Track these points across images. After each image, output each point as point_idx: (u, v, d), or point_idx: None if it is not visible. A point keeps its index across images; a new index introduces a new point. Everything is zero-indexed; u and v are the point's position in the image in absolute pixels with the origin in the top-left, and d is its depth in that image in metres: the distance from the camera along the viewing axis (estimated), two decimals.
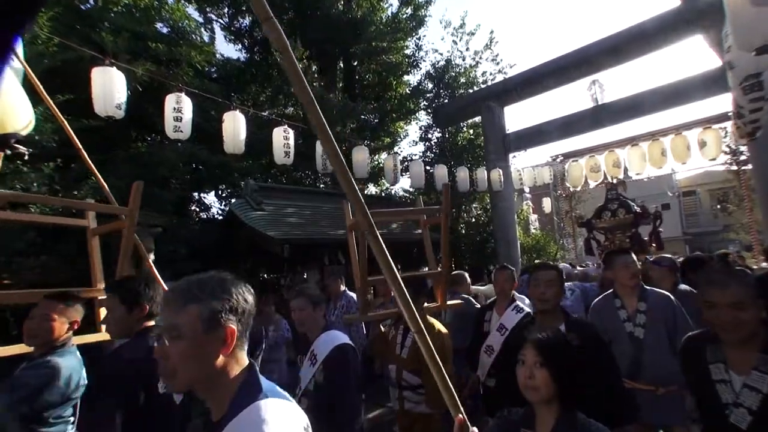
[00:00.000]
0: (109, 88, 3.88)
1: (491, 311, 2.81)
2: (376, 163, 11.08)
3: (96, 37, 5.05)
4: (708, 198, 22.14)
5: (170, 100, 4.41)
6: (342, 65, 10.34)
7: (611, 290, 2.53)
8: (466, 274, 4.04)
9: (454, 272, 3.96)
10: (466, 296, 3.66)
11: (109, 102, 3.87)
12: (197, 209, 6.73)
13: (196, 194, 6.86)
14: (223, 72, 9.00)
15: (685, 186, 21.71)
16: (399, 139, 11.16)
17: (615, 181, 7.55)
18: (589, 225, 7.43)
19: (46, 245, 3.81)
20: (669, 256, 3.38)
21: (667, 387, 2.19)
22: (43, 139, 3.88)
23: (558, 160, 12.02)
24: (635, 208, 7.00)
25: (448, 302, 2.89)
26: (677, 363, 1.90)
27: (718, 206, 19.77)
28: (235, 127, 4.89)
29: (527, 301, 2.86)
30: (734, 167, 8.42)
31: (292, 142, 5.39)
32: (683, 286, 3.00)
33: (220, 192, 7.41)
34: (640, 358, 2.25)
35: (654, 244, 7.45)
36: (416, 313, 0.91)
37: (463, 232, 9.90)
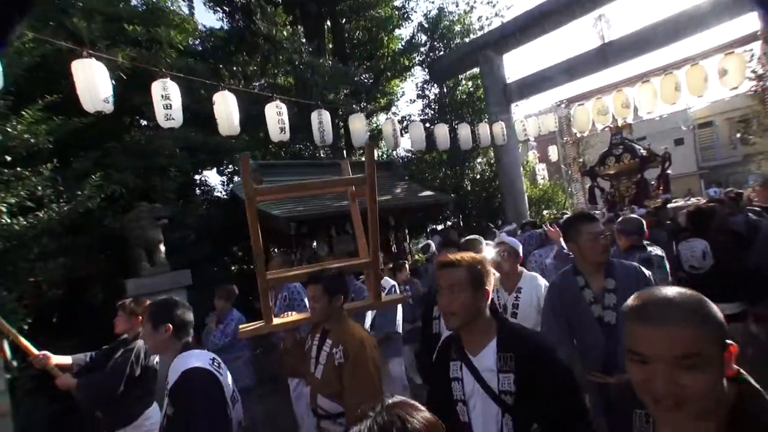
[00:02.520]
0: (93, 82, 3.81)
1: None
2: (375, 125, 10.86)
3: (69, 25, 4.87)
4: (726, 127, 21.06)
5: (157, 88, 4.33)
6: (329, 24, 9.83)
7: (570, 266, 2.13)
8: (482, 239, 3.49)
9: (467, 238, 3.48)
10: None
11: (95, 97, 3.83)
12: (201, 191, 6.74)
13: (197, 177, 6.89)
14: (207, 45, 8.68)
15: (700, 117, 20.67)
16: (396, 99, 10.84)
17: (622, 123, 7.26)
18: (592, 172, 7.26)
19: (60, 247, 3.95)
20: (635, 217, 3.14)
21: None
22: (38, 142, 3.89)
23: (563, 105, 11.60)
24: (641, 151, 6.78)
25: (387, 298, 2.45)
26: None
27: (738, 135, 18.94)
28: (227, 107, 4.80)
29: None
30: (759, 92, 7.97)
31: (285, 117, 5.29)
32: (652, 249, 2.85)
33: (222, 170, 7.44)
34: (614, 348, 1.85)
35: (662, 188, 7.30)
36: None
37: (469, 188, 9.84)
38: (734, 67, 6.25)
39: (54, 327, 4.35)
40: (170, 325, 1.71)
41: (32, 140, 3.84)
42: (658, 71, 7.39)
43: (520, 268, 2.61)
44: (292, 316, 2.25)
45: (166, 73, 4.42)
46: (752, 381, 0.80)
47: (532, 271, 3.76)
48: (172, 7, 6.66)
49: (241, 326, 2.44)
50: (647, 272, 1.98)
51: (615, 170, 6.93)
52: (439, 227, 9.79)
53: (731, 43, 6.51)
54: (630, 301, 0.82)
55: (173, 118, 4.37)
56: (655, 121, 12.43)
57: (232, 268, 7.00)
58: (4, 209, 3.40)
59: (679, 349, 0.71)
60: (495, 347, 1.32)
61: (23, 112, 3.78)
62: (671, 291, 0.78)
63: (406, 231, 8.21)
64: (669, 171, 7.15)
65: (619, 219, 3.11)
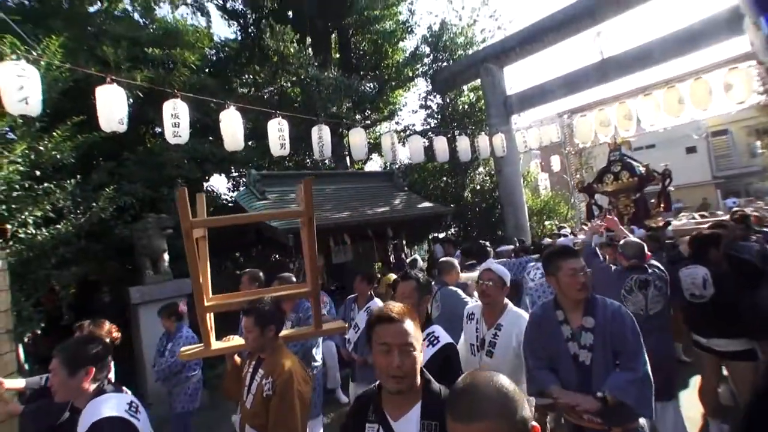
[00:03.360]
0: (112, 106, 4.15)
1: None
2: (378, 134, 11.14)
3: (99, 52, 5.32)
4: (744, 135, 20.63)
5: (167, 108, 4.67)
6: (336, 37, 10.17)
7: (552, 298, 2.05)
8: (455, 261, 3.52)
9: (441, 259, 3.61)
10: (453, 289, 3.28)
11: (112, 119, 4.16)
12: (207, 198, 7.10)
13: (205, 184, 7.26)
14: (222, 55, 9.08)
15: (713, 125, 20.28)
16: (399, 109, 11.10)
17: (621, 139, 7.29)
18: (590, 189, 7.24)
19: (75, 256, 4.31)
20: (637, 241, 3.08)
21: (623, 426, 1.77)
22: (63, 157, 4.28)
23: (565, 115, 11.68)
24: (640, 169, 6.74)
25: (328, 325, 2.37)
26: (634, 395, 1.69)
27: (758, 143, 18.45)
28: (232, 125, 5.10)
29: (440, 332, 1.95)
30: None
31: (286, 134, 5.59)
32: (652, 269, 2.82)
33: (229, 176, 7.80)
34: (588, 388, 1.80)
35: (663, 206, 7.30)
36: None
37: (469, 199, 10.01)
38: (740, 81, 6.20)
39: (63, 329, 4.71)
40: (92, 368, 1.55)
41: (58, 156, 4.23)
42: (660, 84, 7.45)
43: (505, 300, 2.40)
44: (232, 341, 2.15)
45: (177, 94, 4.77)
46: None
47: (535, 287, 3.84)
48: (189, 24, 7.12)
49: (182, 349, 2.38)
50: (630, 314, 1.92)
51: (613, 188, 6.85)
52: (441, 235, 9.95)
53: (735, 57, 6.50)
54: (453, 386, 0.89)
55: (180, 136, 4.70)
56: (665, 129, 12.39)
57: (237, 272, 7.33)
58: (30, 221, 3.77)
59: None
60: (419, 413, 1.19)
61: (54, 132, 4.19)
62: (485, 384, 0.82)
63: (404, 242, 8.42)
64: (671, 188, 7.16)
65: (621, 242, 3.06)
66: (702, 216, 7.97)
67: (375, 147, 11.01)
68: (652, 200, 7.11)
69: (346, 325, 2.92)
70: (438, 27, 10.38)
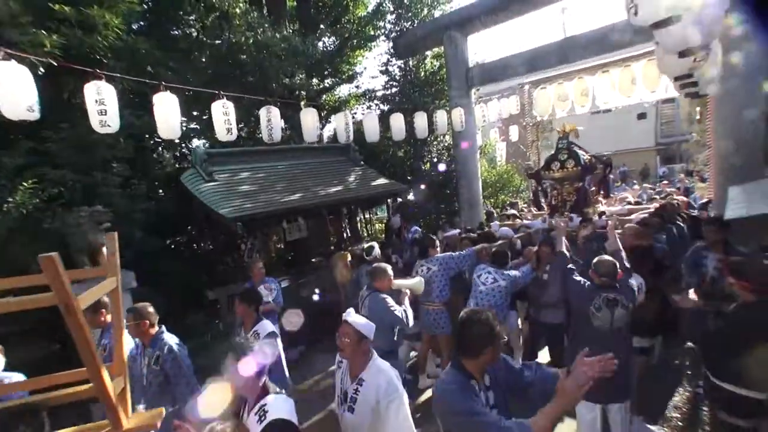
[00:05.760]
0: (13, 88, 3.58)
1: None
2: (337, 97, 10.64)
3: None
4: (687, 103, 21.79)
5: (90, 91, 4.14)
6: None
7: (456, 362, 1.78)
8: (388, 268, 3.37)
9: (374, 266, 3.52)
10: (383, 296, 3.22)
11: (17, 105, 3.61)
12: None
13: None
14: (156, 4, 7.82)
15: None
16: (359, 74, 10.49)
17: (570, 127, 7.45)
18: (538, 176, 7.51)
19: None
20: (609, 259, 3.01)
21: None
22: None
23: (526, 86, 11.67)
24: (584, 159, 7.02)
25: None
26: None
27: (698, 109, 19.57)
28: (167, 110, 4.67)
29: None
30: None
31: (233, 117, 5.22)
32: (622, 288, 2.92)
33: (174, 158, 7.16)
34: None
35: (602, 193, 7.77)
36: None
37: (427, 169, 10.06)
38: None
39: None
40: None
41: None
42: (618, 62, 7.59)
43: (371, 352, 2.19)
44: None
45: (100, 75, 4.22)
46: None
47: (486, 291, 3.85)
48: None
49: None
50: (516, 365, 1.87)
51: (559, 175, 7.10)
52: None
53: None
54: None
55: (109, 125, 4.25)
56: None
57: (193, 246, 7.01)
58: None
59: None
60: None
61: None
62: None
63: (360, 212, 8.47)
64: (611, 176, 7.54)
65: (595, 260, 3.03)
66: (636, 202, 8.61)
67: (334, 110, 10.57)
68: (593, 188, 7.48)
69: None
70: None
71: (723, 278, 2.87)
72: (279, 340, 3.44)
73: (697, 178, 13.56)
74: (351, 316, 2.19)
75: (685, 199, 8.28)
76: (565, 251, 3.51)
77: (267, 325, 3.19)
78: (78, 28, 5.10)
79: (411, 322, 3.37)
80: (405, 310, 3.30)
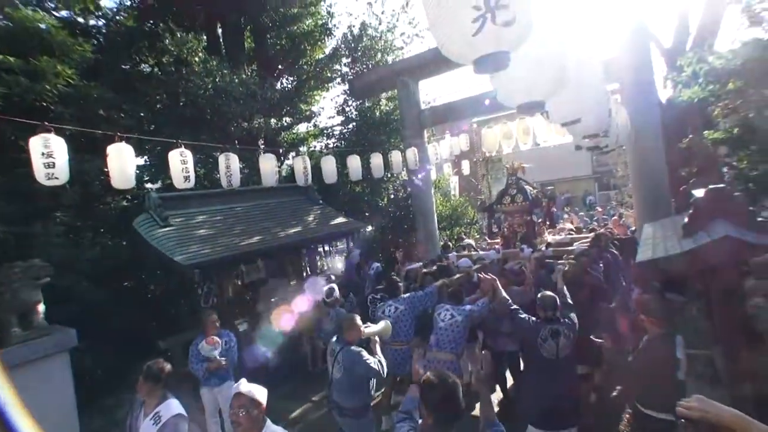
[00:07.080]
0: None
1: None
2: (295, 136, 10.87)
3: None
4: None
5: (36, 145, 4.00)
6: (252, 36, 9.45)
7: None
8: (356, 318, 3.42)
9: (342, 318, 3.62)
10: (356, 350, 3.22)
11: None
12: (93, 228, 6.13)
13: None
14: (111, 38, 7.64)
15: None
16: (317, 114, 10.87)
17: (518, 165, 8.17)
18: (491, 209, 8.11)
19: None
20: (551, 295, 3.40)
21: None
22: None
23: (475, 125, 12.60)
24: (531, 194, 7.72)
25: None
26: None
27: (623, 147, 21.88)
28: (121, 161, 4.56)
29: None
30: None
31: (190, 165, 5.19)
32: (565, 320, 3.30)
33: (126, 200, 6.89)
34: None
35: (548, 223, 8.50)
36: None
37: (384, 205, 10.41)
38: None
39: None
40: None
41: None
42: None
43: (263, 419, 2.14)
44: None
45: (48, 127, 4.12)
46: None
47: (445, 327, 3.98)
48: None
49: None
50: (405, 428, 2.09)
51: (510, 209, 7.72)
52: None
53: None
54: None
55: (57, 177, 4.09)
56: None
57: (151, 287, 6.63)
58: None
59: None
60: None
61: None
62: None
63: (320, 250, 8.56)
64: (554, 209, 8.23)
65: (539, 296, 3.36)
66: (577, 228, 9.48)
67: (292, 147, 10.77)
68: (539, 220, 8.16)
69: None
70: (358, 29, 10.23)
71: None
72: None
73: (626, 206, 15.01)
74: (244, 385, 2.13)
75: (623, 226, 9.23)
76: (505, 296, 3.80)
77: (173, 406, 2.71)
78: (24, 76, 4.98)
79: (385, 371, 3.37)
80: (379, 360, 3.29)
